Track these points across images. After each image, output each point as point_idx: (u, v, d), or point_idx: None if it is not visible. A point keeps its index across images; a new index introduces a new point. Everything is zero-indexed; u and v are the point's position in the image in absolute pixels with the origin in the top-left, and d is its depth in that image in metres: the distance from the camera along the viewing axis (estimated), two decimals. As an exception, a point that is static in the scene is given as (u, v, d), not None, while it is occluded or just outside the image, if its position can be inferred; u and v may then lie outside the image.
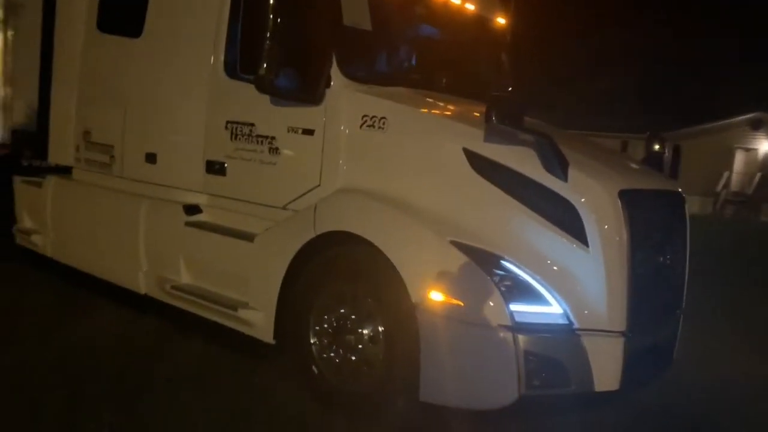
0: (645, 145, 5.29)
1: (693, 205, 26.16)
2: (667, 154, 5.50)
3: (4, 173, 7.10)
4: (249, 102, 4.66)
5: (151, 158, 5.45)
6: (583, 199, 3.74)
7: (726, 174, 29.79)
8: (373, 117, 4.23)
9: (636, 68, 38.87)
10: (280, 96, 4.41)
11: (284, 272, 4.37)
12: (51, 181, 6.48)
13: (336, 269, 4.21)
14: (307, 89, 4.37)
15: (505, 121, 3.65)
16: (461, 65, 5.28)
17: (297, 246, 4.31)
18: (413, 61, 5.01)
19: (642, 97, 35.00)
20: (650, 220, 4.07)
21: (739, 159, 30.33)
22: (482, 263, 3.67)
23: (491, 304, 3.60)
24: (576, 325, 3.72)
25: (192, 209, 5.21)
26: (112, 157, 5.82)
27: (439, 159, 4.06)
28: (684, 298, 4.54)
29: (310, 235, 4.25)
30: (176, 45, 5.26)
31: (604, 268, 3.73)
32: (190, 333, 5.18)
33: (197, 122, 5.08)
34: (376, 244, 3.90)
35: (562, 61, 42.01)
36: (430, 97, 4.54)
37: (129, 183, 5.71)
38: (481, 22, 5.32)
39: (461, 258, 3.68)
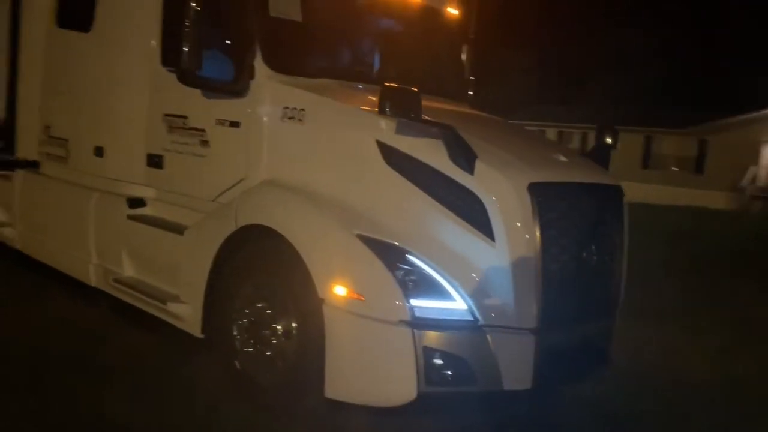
0: (595, 137, 5.10)
1: (718, 201, 25.50)
2: (617, 147, 5.31)
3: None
4: (183, 95, 4.65)
5: (99, 152, 5.49)
6: (488, 192, 3.64)
7: (752, 169, 28.93)
8: (293, 108, 4.20)
9: (661, 61, 38.10)
10: (203, 88, 4.41)
11: (209, 265, 4.36)
12: (19, 175, 6.59)
13: (255, 263, 4.18)
14: (230, 81, 4.36)
15: (399, 112, 3.58)
16: (400, 57, 5.20)
17: (220, 239, 4.29)
18: (346, 53, 4.95)
19: (667, 90, 34.27)
20: (570, 214, 3.94)
21: (766, 153, 29.41)
22: (386, 257, 3.60)
23: (391, 299, 3.53)
24: (482, 322, 3.62)
25: (135, 202, 5.24)
26: (67, 150, 5.89)
27: (354, 151, 4.01)
28: (621, 295, 4.40)
29: (232, 228, 4.23)
30: (122, 38, 5.28)
31: (511, 263, 3.62)
32: (136, 323, 5.21)
33: (140, 116, 5.11)
34: (287, 237, 3.87)
35: (588, 53, 41.39)
36: (354, 89, 4.48)
37: (84, 176, 5.77)
38: (426, 14, 5.21)
39: (365, 252, 3.62)
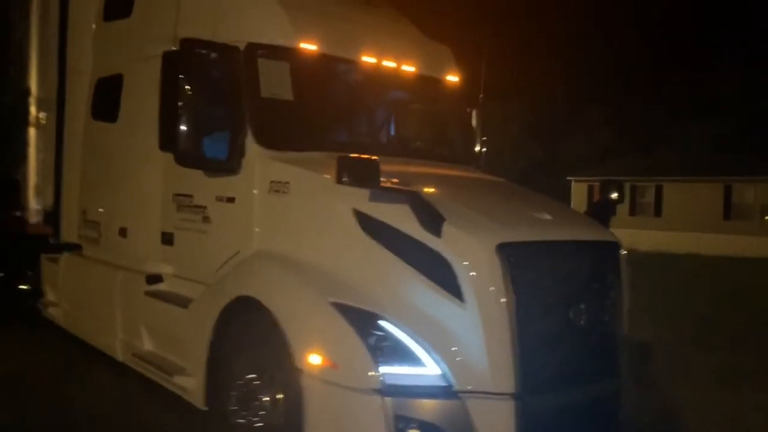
0: (600, 192, 4.99)
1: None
2: (623, 201, 5.17)
3: (36, 252, 7.79)
4: (189, 175, 4.91)
5: (123, 232, 5.83)
6: (456, 254, 3.62)
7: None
8: (279, 182, 4.36)
9: (739, 110, 36.73)
10: (199, 167, 4.65)
11: (209, 337, 4.49)
12: (64, 258, 7.04)
13: (246, 334, 4.27)
14: (224, 159, 4.58)
15: (356, 181, 3.66)
16: (392, 126, 5.33)
17: (216, 311, 4.42)
18: (336, 126, 5.11)
19: (746, 136, 32.88)
20: (551, 273, 3.85)
21: None
22: (359, 324, 3.62)
23: (363, 367, 3.53)
24: (457, 387, 3.54)
25: (153, 279, 5.48)
26: (99, 233, 6.28)
27: (333, 220, 4.10)
28: (620, 355, 4.19)
29: (226, 300, 4.36)
30: (139, 126, 5.66)
31: (483, 325, 3.56)
32: (162, 397, 5.35)
33: (155, 197, 5.41)
34: (268, 307, 3.96)
35: (661, 101, 40.32)
36: None
37: (114, 256, 6.11)
38: (418, 83, 5.34)
39: (338, 320, 3.65)
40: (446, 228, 3.66)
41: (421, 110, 5.53)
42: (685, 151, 32.79)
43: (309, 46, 4.75)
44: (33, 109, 7.68)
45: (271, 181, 4.40)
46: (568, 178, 33.55)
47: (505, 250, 3.64)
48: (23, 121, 7.62)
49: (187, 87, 4.45)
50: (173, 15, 5.26)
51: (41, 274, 7.57)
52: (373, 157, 3.74)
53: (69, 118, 7.04)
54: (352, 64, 4.98)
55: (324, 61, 4.84)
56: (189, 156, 4.52)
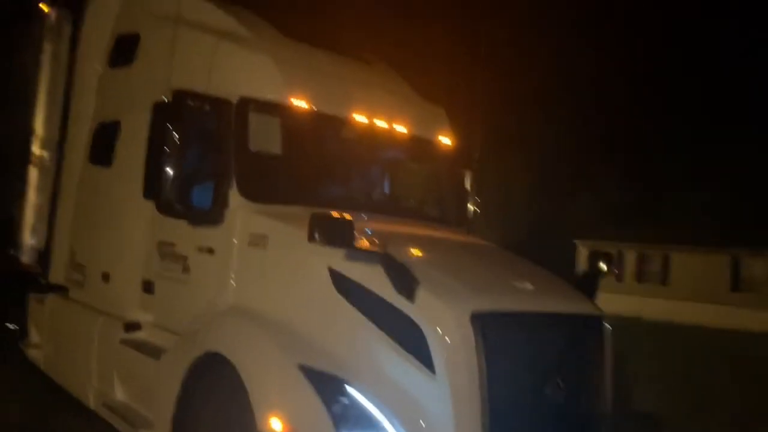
0: (588, 262, 4.90)
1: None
2: (613, 273, 5.07)
3: (25, 292, 7.73)
4: (173, 223, 4.89)
5: (105, 277, 5.77)
6: (428, 321, 3.53)
7: None
8: (258, 235, 4.32)
9: (752, 181, 36.62)
10: (179, 217, 4.62)
11: (177, 392, 4.36)
12: (50, 299, 6.97)
13: (214, 390, 4.16)
14: (205, 211, 4.55)
15: (327, 240, 3.60)
16: (381, 186, 5.31)
17: (186, 365, 4.32)
18: (324, 181, 5.09)
19: (755, 206, 32.68)
20: (528, 345, 3.74)
21: None
22: (324, 390, 3.51)
23: None
24: (421, 460, 3.40)
25: (131, 326, 5.39)
26: (84, 276, 6.22)
27: (309, 277, 4.04)
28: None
29: (195, 354, 4.26)
30: (129, 171, 5.66)
31: (452, 397, 3.43)
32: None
33: (139, 243, 5.37)
34: (235, 365, 3.85)
35: (678, 169, 40.22)
36: None
37: (97, 301, 6.04)
38: (406, 144, 5.35)
39: (302, 384, 3.55)
40: (420, 293, 3.57)
41: (410, 170, 5.53)
42: (695, 219, 32.61)
43: (300, 103, 4.77)
44: (36, 149, 7.74)
45: (251, 234, 4.35)
46: (574, 240, 33.35)
47: (479, 319, 3.55)
48: (25, 160, 7.67)
49: (174, 137, 4.47)
50: (169, 65, 5.34)
51: (27, 314, 7.50)
52: (347, 216, 3.69)
53: (68, 160, 7.08)
54: (343, 121, 4.99)
55: (314, 117, 4.85)
56: (170, 205, 4.50)
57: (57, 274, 6.93)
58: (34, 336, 7.39)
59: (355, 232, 3.75)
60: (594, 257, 4.88)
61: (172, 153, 4.46)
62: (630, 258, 31.97)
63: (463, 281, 3.86)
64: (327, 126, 4.98)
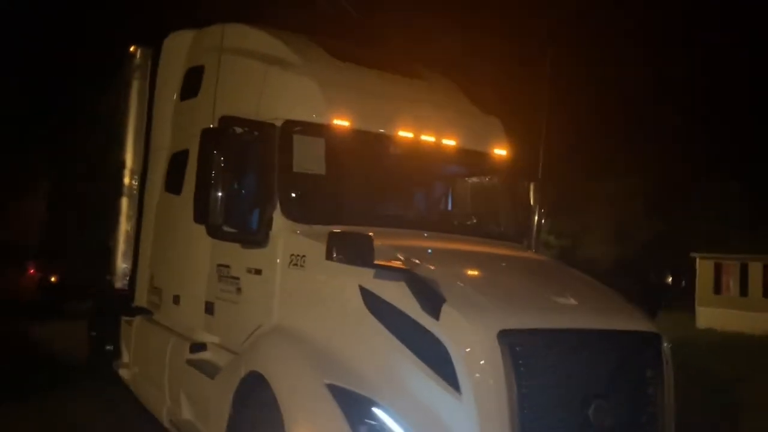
0: (652, 277, 4.56)
1: None
2: (684, 284, 4.62)
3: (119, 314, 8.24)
4: (229, 246, 5.03)
5: (176, 299, 6.02)
6: (454, 340, 3.40)
7: None
8: (298, 255, 4.35)
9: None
10: (229, 240, 4.73)
11: (229, 411, 4.45)
12: (137, 321, 7.37)
13: (258, 409, 4.19)
14: (252, 233, 4.65)
15: (346, 258, 3.55)
16: (428, 203, 5.21)
17: (234, 385, 4.40)
18: (368, 200, 5.05)
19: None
20: (564, 365, 3.51)
21: None
22: (351, 410, 3.48)
23: None
24: (447, 484, 3.25)
25: (197, 347, 5.57)
26: (160, 299, 6.53)
27: (341, 296, 4.02)
28: None
29: (241, 374, 4.34)
30: (194, 198, 5.91)
31: (478, 418, 3.28)
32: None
33: (203, 266, 5.57)
34: (271, 384, 3.88)
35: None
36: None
37: (172, 322, 6.31)
38: (459, 158, 5.23)
39: (331, 404, 3.53)
40: (446, 310, 3.46)
41: (463, 184, 5.39)
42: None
43: (343, 123, 4.80)
44: (126, 180, 8.28)
45: (291, 254, 4.40)
46: (692, 254, 31.34)
47: (508, 337, 3.38)
48: (118, 192, 8.21)
49: (221, 162, 4.60)
50: (228, 95, 5.54)
51: (120, 336, 7.97)
52: (368, 233, 3.64)
53: (148, 190, 7.50)
54: (388, 138, 4.97)
55: (358, 136, 4.86)
56: (218, 228, 4.63)
57: (141, 297, 7.32)
58: (125, 356, 7.83)
59: (381, 249, 3.70)
60: (658, 272, 4.52)
61: (219, 177, 4.60)
62: (756, 271, 29.54)
63: (496, 298, 3.70)
64: (372, 144, 4.97)
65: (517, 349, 3.38)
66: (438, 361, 3.43)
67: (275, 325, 4.38)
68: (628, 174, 37.74)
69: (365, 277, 3.85)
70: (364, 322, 3.78)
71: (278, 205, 4.59)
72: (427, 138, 5.08)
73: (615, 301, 4.15)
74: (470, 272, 4.09)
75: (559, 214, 41.32)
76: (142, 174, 7.75)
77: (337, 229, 4.46)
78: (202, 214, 4.71)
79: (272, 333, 4.31)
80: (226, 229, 4.66)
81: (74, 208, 11.11)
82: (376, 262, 3.60)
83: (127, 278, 8.26)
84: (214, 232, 4.67)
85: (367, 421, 3.42)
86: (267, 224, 4.60)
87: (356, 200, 4.98)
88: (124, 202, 8.25)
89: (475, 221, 5.44)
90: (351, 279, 3.94)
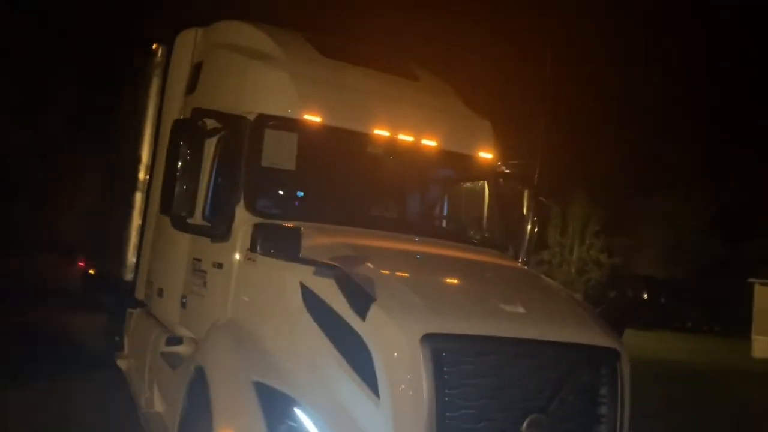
0: (619, 287, 4.27)
1: None
2: (662, 301, 4.28)
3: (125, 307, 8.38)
4: (201, 240, 5.01)
5: (160, 293, 6.04)
6: (376, 342, 3.24)
7: None
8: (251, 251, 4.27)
9: None
10: (191, 232, 4.70)
11: (183, 404, 4.40)
12: (135, 313, 7.45)
13: (204, 403, 4.13)
14: (214, 226, 4.60)
15: (273, 250, 3.43)
16: (397, 203, 5.06)
17: (187, 379, 4.35)
18: (334, 198, 4.92)
19: None
20: (497, 374, 3.30)
21: None
22: (272, 410, 3.38)
23: None
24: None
25: (172, 340, 5.56)
26: (151, 292, 6.57)
27: (284, 292, 3.92)
28: None
29: (191, 368, 4.29)
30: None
31: (394, 426, 3.09)
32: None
33: (181, 260, 5.57)
34: (207, 380, 3.81)
35: None
36: (319, 232, 4.39)
37: (158, 315, 6.34)
38: (437, 160, 5.06)
39: (253, 403, 3.45)
40: (373, 310, 3.31)
41: (440, 187, 5.21)
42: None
43: (315, 118, 4.71)
44: (141, 175, 8.41)
45: (247, 249, 4.32)
46: (750, 280, 29.83)
47: (433, 341, 3.19)
48: (133, 187, 8.36)
49: (187, 154, 4.58)
50: (215, 89, 5.54)
51: (123, 328, 8.08)
52: (294, 225, 3.52)
53: (154, 183, 7.60)
54: (363, 136, 4.84)
55: (330, 133, 4.75)
56: (182, 220, 4.60)
57: (140, 290, 7.40)
58: (126, 346, 7.93)
59: (331, 246, 3.57)
60: (630, 282, 4.24)
61: (185, 169, 4.57)
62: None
63: (432, 300, 3.52)
64: (346, 142, 4.86)
65: (443, 354, 3.19)
66: (361, 363, 3.29)
67: (227, 319, 4.31)
68: (690, 190, 36.35)
69: (307, 274, 3.74)
70: (300, 319, 3.67)
71: (242, 199, 4.52)
72: (404, 137, 4.93)
73: (575, 314, 3.89)
74: (416, 274, 3.93)
75: (611, 232, 40.24)
76: (151, 168, 7.86)
77: (288, 225, 4.39)
78: (166, 205, 4.69)
79: (220, 328, 4.25)
80: (190, 221, 4.63)
81: (106, 203, 11.43)
82: (303, 257, 3.48)
83: (135, 271, 8.40)
84: (178, 224, 4.65)
85: (286, 421, 3.30)
86: (230, 218, 4.54)
87: (325, 197, 4.87)
88: (138, 197, 8.36)
89: (452, 225, 5.26)
90: (293, 275, 3.83)
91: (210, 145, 4.74)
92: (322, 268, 3.52)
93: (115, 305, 9.26)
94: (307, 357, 3.57)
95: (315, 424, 3.27)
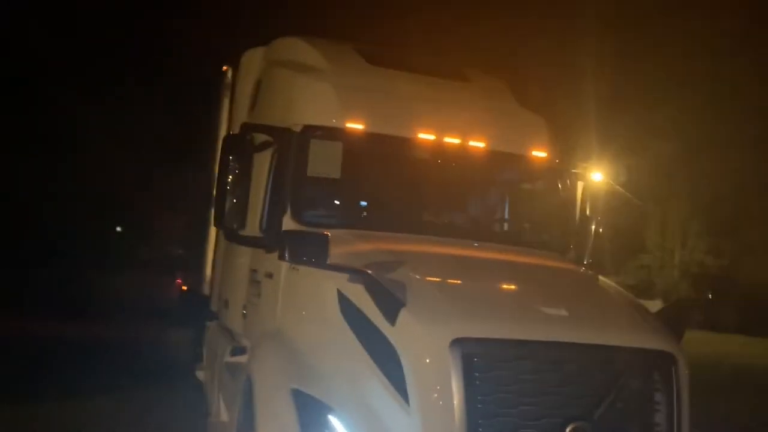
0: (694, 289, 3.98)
1: None
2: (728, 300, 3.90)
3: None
4: (258, 251, 5.11)
5: (226, 304, 6.21)
6: (405, 347, 3.17)
7: None
8: None
9: None
10: (243, 244, 4.80)
11: (238, 416, 4.48)
12: (211, 325, 7.70)
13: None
14: (265, 236, 4.67)
15: (299, 258, 3.42)
16: (456, 204, 4.96)
17: (240, 390, 4.42)
18: (381, 205, 4.88)
19: None
20: (534, 379, 3.14)
21: None
22: (307, 418, 3.37)
23: None
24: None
25: (237, 351, 5.69)
26: (220, 303, 6.77)
27: (323, 299, 3.92)
28: None
29: (243, 378, 4.36)
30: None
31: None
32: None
33: (243, 272, 5.70)
34: (252, 389, 3.87)
35: None
36: (361, 239, 4.36)
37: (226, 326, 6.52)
38: (488, 161, 4.92)
39: (290, 411, 3.49)
40: (403, 315, 3.24)
41: (492, 189, 5.07)
42: None
43: (357, 126, 4.71)
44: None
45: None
46: None
47: (463, 346, 3.09)
48: (208, 203, 8.70)
49: (236, 168, 4.69)
50: (268, 104, 5.67)
51: (201, 340, 8.37)
52: (322, 232, 3.51)
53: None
54: (408, 141, 4.79)
55: (376, 139, 4.74)
56: (234, 232, 4.70)
57: (214, 302, 7.65)
58: (204, 358, 8.21)
59: (370, 253, 3.54)
60: (702, 282, 3.95)
61: (235, 182, 4.68)
62: None
63: (466, 304, 3.40)
64: (391, 147, 4.82)
65: (475, 359, 3.07)
66: (392, 369, 3.23)
67: (275, 328, 4.36)
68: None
69: (343, 280, 3.73)
70: (337, 326, 3.66)
71: (288, 209, 4.58)
72: (450, 140, 4.84)
73: (627, 317, 3.66)
74: (454, 279, 3.81)
75: (719, 233, 37.90)
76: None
77: (338, 233, 4.39)
78: (218, 218, 4.82)
79: (267, 337, 4.30)
80: (242, 233, 4.73)
81: (192, 221, 11.95)
82: (335, 263, 3.46)
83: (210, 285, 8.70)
84: (230, 236, 4.76)
85: (321, 429, 3.28)
86: (278, 228, 4.61)
87: (371, 204, 4.85)
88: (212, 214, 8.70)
89: (505, 227, 5.10)
90: (331, 283, 3.83)
91: (265, 160, 4.83)
92: (353, 274, 3.50)
93: (197, 319, 9.65)
94: (342, 363, 3.55)
95: (348, 430, 3.23)
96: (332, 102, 4.79)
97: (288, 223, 4.55)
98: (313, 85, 4.94)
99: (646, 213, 38.78)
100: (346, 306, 3.64)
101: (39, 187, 28.57)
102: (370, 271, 3.44)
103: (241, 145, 4.76)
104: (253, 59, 7.42)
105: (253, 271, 5.26)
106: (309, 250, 3.56)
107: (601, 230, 5.46)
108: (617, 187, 35.47)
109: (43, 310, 15.28)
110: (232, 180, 4.74)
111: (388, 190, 4.90)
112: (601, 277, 4.49)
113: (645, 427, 3.29)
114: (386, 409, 3.21)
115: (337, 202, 4.77)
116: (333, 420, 3.30)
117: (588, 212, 5.39)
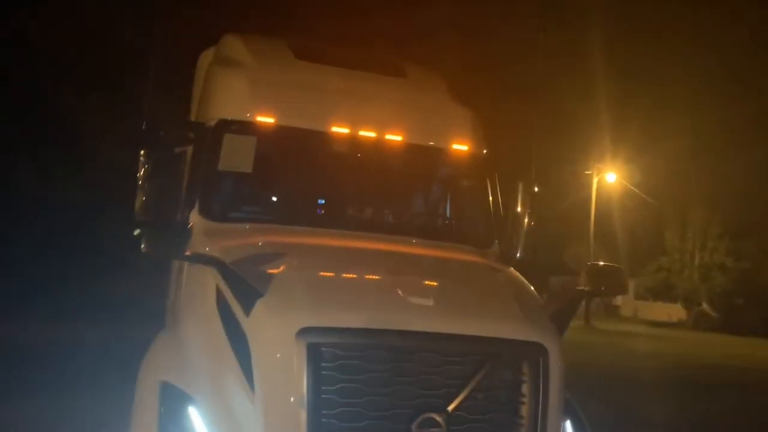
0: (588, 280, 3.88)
1: None
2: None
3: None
4: None
5: None
6: (253, 336, 3.13)
7: None
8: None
9: None
10: (144, 237, 4.78)
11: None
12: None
13: None
14: (178, 230, 4.66)
15: (156, 251, 3.41)
16: (366, 198, 4.91)
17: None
18: (292, 199, 4.83)
19: None
20: (388, 370, 3.08)
21: None
22: (168, 410, 3.37)
23: None
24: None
25: None
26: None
27: (204, 292, 3.87)
28: None
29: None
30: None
31: (264, 424, 2.96)
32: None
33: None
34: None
35: None
36: (258, 232, 4.32)
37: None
38: (403, 154, 4.84)
39: (152, 403, 3.45)
40: (256, 306, 3.20)
41: (408, 182, 4.99)
42: None
43: (269, 119, 4.67)
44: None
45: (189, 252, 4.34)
46: None
47: (310, 335, 3.03)
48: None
49: (148, 163, 4.69)
50: (198, 101, 5.68)
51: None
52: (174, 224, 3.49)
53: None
54: (320, 135, 4.73)
55: (290, 133, 4.69)
56: (140, 226, 4.70)
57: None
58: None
59: (258, 247, 3.52)
60: (597, 273, 3.85)
61: (146, 178, 4.68)
62: None
63: (323, 294, 3.35)
64: (304, 141, 4.77)
65: (322, 349, 3.02)
66: (244, 358, 3.19)
67: (170, 322, 4.36)
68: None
69: (220, 275, 3.70)
70: (212, 319, 3.63)
71: (197, 204, 4.57)
72: (366, 133, 4.78)
73: (504, 308, 3.55)
74: (327, 270, 3.75)
75: (739, 235, 37.00)
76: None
77: (239, 227, 4.38)
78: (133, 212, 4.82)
79: (161, 331, 4.29)
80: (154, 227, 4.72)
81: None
82: (195, 254, 3.45)
83: None
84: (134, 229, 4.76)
85: (179, 420, 3.26)
86: (186, 222, 4.60)
87: (282, 199, 4.81)
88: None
89: (422, 221, 5.02)
90: (210, 277, 3.80)
91: (166, 154, 4.82)
92: (211, 266, 3.48)
93: None
94: (210, 355, 3.52)
95: (203, 421, 3.20)
96: (246, 96, 4.77)
97: (194, 218, 4.54)
98: (230, 79, 4.93)
99: (665, 215, 38.10)
100: (220, 298, 3.61)
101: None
102: (230, 263, 3.41)
103: (152, 141, 4.75)
104: (206, 58, 7.46)
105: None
106: (161, 243, 3.54)
107: (533, 224, 5.35)
108: (632, 188, 35.02)
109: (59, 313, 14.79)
110: (144, 175, 4.74)
111: (301, 185, 4.86)
112: (512, 272, 4.38)
113: (508, 420, 3.18)
114: (237, 399, 3.18)
115: (247, 197, 4.73)
116: (192, 411, 3.27)
117: (519, 207, 5.28)
